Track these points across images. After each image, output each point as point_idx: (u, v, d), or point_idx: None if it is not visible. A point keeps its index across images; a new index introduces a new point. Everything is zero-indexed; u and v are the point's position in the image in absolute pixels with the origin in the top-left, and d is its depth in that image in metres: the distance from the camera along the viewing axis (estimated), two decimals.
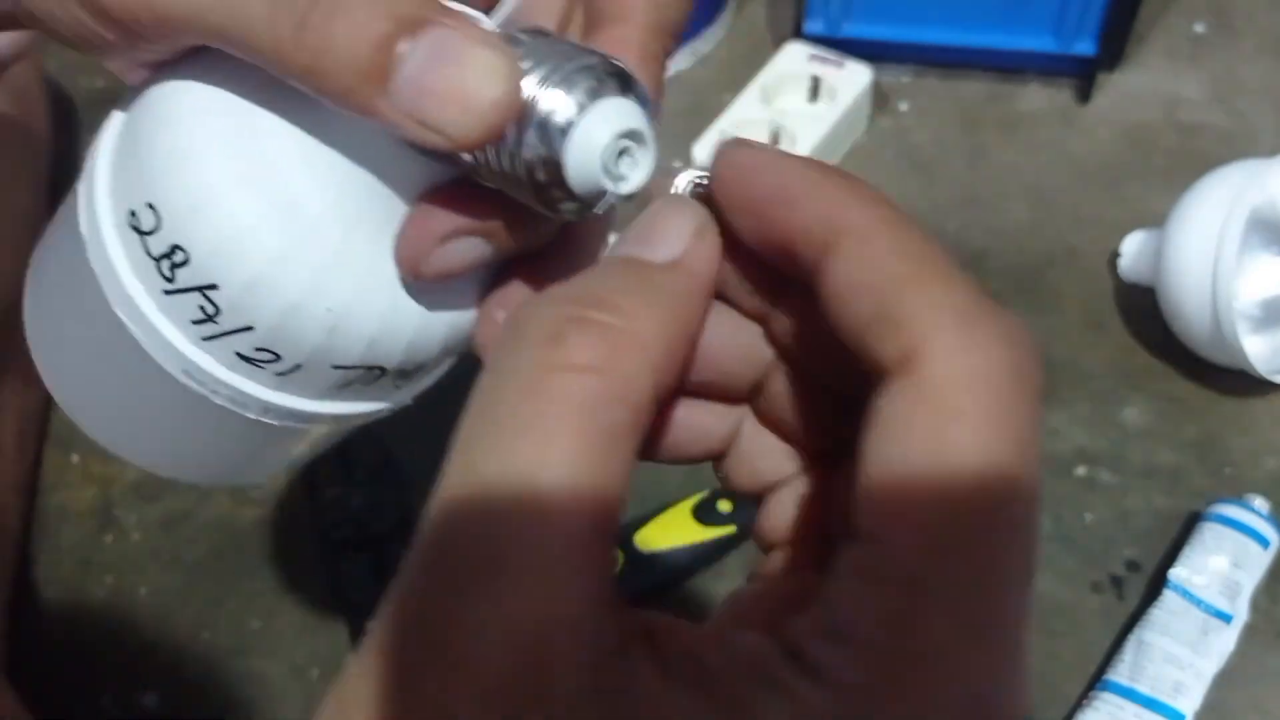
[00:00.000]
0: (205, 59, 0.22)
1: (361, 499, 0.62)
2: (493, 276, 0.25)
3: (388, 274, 0.23)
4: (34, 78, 0.76)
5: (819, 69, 0.74)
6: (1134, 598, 0.57)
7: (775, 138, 0.73)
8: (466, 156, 0.21)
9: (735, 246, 0.21)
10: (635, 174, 0.21)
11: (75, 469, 0.67)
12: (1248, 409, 0.63)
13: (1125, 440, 0.62)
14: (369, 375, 0.24)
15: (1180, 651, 0.52)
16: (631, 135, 0.21)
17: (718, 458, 0.24)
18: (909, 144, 0.76)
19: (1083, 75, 0.76)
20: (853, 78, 0.74)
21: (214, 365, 0.23)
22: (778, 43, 0.77)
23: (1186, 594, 0.54)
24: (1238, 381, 0.62)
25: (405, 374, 0.25)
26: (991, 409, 0.16)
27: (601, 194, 0.21)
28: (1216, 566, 0.54)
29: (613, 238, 0.22)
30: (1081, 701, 0.53)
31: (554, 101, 0.20)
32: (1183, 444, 0.62)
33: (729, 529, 0.59)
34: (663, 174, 0.21)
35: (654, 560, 0.58)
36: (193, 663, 0.60)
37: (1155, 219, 0.65)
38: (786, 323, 0.22)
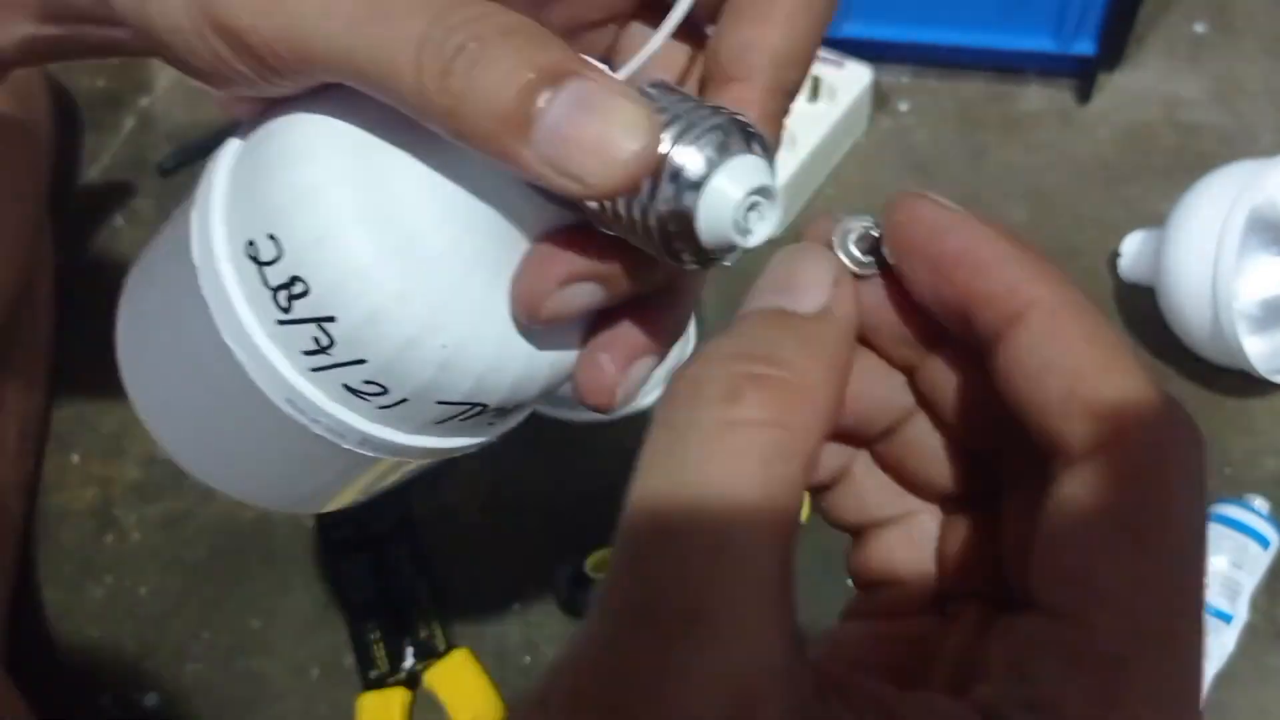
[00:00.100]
0: (331, 94, 0.22)
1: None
2: (594, 319, 0.25)
3: (500, 313, 0.23)
4: (36, 77, 0.76)
5: (819, 69, 0.74)
6: None
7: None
8: (592, 204, 0.22)
9: (895, 297, 0.22)
10: (761, 227, 0.21)
11: (75, 469, 0.67)
12: (1248, 409, 0.63)
13: None
14: (469, 411, 0.24)
15: None
16: (761, 191, 0.21)
17: (821, 489, 0.25)
18: (909, 144, 0.76)
19: (1082, 75, 0.76)
20: (853, 78, 0.74)
21: (319, 396, 0.23)
22: None
23: None
24: (1238, 381, 0.62)
25: (503, 412, 0.25)
26: (1185, 499, 0.18)
27: (729, 248, 0.21)
28: (1216, 566, 0.54)
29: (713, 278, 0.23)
30: None
31: (687, 156, 0.20)
32: None
33: None
34: (821, 218, 0.22)
35: None
36: (193, 663, 0.60)
37: (1155, 219, 0.65)
38: (937, 375, 0.22)
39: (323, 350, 0.23)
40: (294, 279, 0.22)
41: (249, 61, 0.21)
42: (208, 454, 0.27)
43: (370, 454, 0.25)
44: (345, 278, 0.22)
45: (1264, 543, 0.55)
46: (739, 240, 0.21)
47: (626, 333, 0.25)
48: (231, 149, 0.25)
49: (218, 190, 0.24)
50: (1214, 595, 0.53)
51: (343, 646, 0.59)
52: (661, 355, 0.26)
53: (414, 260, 0.22)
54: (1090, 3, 0.71)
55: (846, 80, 0.73)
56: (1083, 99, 0.77)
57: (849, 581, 0.25)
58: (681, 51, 0.26)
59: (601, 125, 0.19)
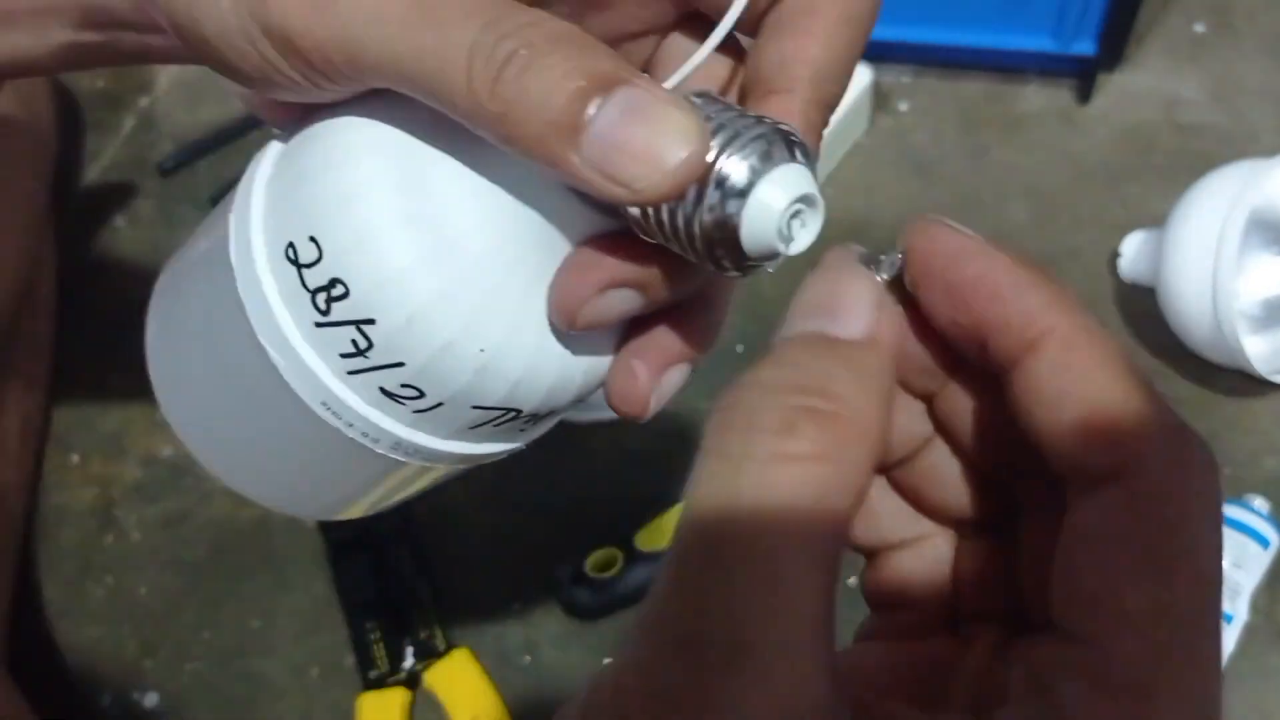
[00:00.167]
0: (374, 99, 0.23)
1: None
2: (628, 326, 0.25)
3: (538, 318, 0.23)
4: (39, 78, 0.76)
5: None
6: None
7: None
8: (634, 211, 0.22)
9: (914, 324, 0.22)
10: (804, 235, 0.22)
11: (75, 469, 0.67)
12: (1248, 409, 0.63)
13: None
14: (504, 417, 0.24)
15: None
16: (804, 199, 0.21)
17: None
18: (909, 144, 0.76)
19: (1083, 75, 0.76)
20: (853, 77, 0.74)
21: (354, 399, 0.23)
22: None
23: None
24: (1238, 381, 0.62)
25: (536, 418, 0.25)
26: (1203, 525, 0.18)
27: (772, 255, 0.21)
28: None
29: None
30: None
31: (732, 165, 0.20)
32: None
33: None
34: (836, 247, 0.22)
35: (654, 560, 0.58)
36: (193, 663, 0.60)
37: (1155, 219, 0.65)
38: (955, 401, 0.22)
39: (361, 353, 0.23)
40: (334, 281, 0.22)
41: (299, 65, 0.21)
42: (237, 459, 0.27)
43: (401, 458, 0.25)
44: (386, 280, 0.22)
45: (1264, 543, 0.55)
46: (782, 248, 0.21)
47: (661, 340, 0.25)
48: (271, 153, 0.25)
49: (257, 194, 0.24)
50: None
51: (343, 646, 0.59)
52: (695, 363, 0.26)
53: (455, 264, 0.22)
54: (1090, 3, 0.71)
55: None
56: (1083, 99, 0.77)
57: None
58: (722, 64, 0.26)
59: (651, 132, 0.19)
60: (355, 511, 0.29)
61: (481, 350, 0.23)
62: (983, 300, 0.20)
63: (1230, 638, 0.53)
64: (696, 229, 0.21)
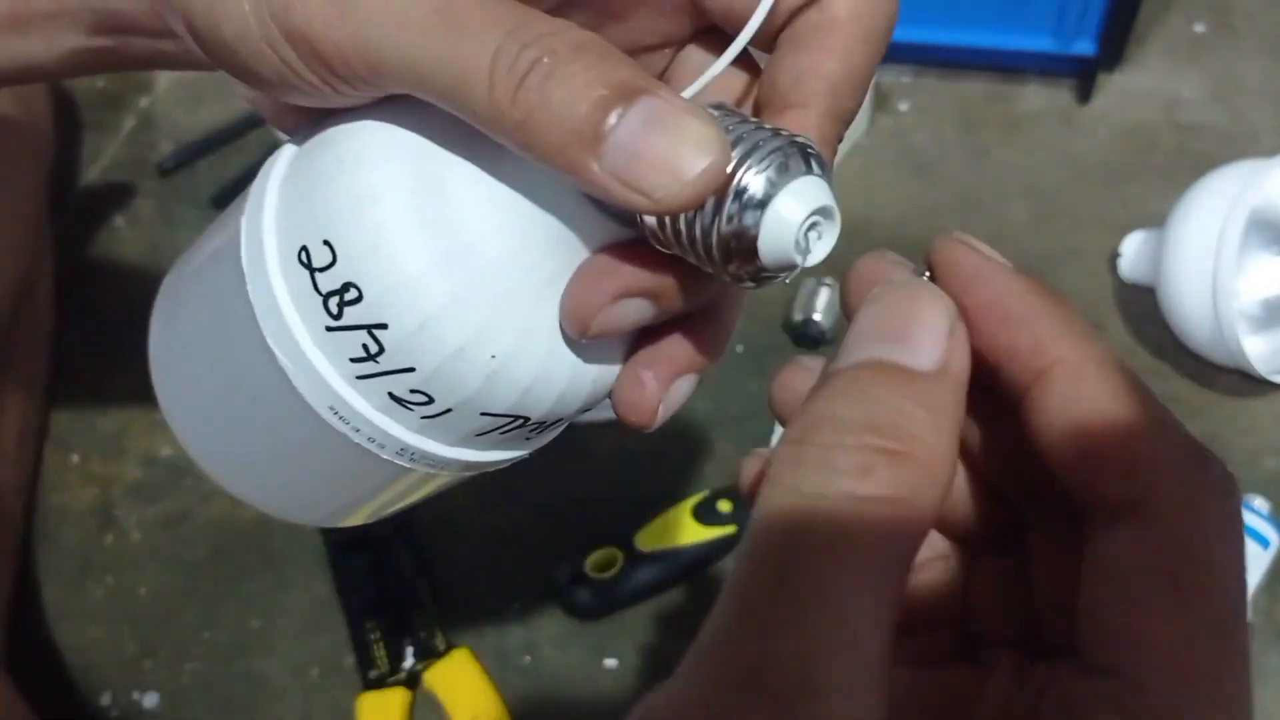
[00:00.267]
0: (390, 104, 0.22)
1: None
2: (637, 335, 0.25)
3: (550, 326, 0.23)
4: None
5: None
6: None
7: None
8: (650, 221, 0.22)
9: None
10: (820, 246, 0.22)
11: (75, 469, 0.67)
12: (1248, 409, 0.63)
13: None
14: (512, 424, 0.24)
15: None
16: (821, 211, 0.21)
17: None
18: (909, 144, 0.76)
19: (1083, 75, 0.76)
20: (872, 78, 0.74)
21: (363, 404, 0.23)
22: None
23: None
24: (1238, 381, 0.62)
25: (543, 426, 0.25)
26: (1226, 550, 0.19)
27: (788, 266, 0.22)
28: None
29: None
30: None
31: (750, 176, 0.21)
32: None
33: (729, 529, 0.59)
34: (872, 257, 0.22)
35: (654, 560, 0.58)
36: (193, 663, 0.60)
37: (1155, 219, 0.65)
38: (968, 420, 0.22)
39: (371, 358, 0.23)
40: (347, 285, 0.22)
41: (318, 70, 0.21)
42: (238, 464, 0.27)
43: (407, 465, 0.25)
44: (400, 285, 0.22)
45: (1264, 543, 0.55)
46: (799, 259, 0.21)
47: (670, 350, 0.25)
48: (285, 156, 0.24)
49: (270, 197, 0.24)
50: None
51: (343, 646, 0.59)
52: (703, 373, 0.26)
53: (469, 270, 0.22)
54: (1090, 3, 0.71)
55: None
56: (1083, 99, 0.77)
57: None
58: (737, 78, 0.26)
59: (672, 142, 0.19)
60: (356, 519, 0.29)
61: (493, 356, 0.22)
62: (993, 326, 0.20)
63: None
64: (714, 239, 0.21)
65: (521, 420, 0.24)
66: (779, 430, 0.24)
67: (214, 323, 0.25)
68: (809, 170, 0.21)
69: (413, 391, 0.23)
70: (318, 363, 0.23)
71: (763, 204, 0.21)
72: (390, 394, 0.23)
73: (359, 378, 0.23)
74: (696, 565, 0.59)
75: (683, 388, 0.25)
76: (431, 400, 0.23)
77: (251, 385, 0.24)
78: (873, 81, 0.82)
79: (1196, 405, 0.63)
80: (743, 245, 0.21)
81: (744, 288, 0.23)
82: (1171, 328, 0.63)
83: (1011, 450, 0.22)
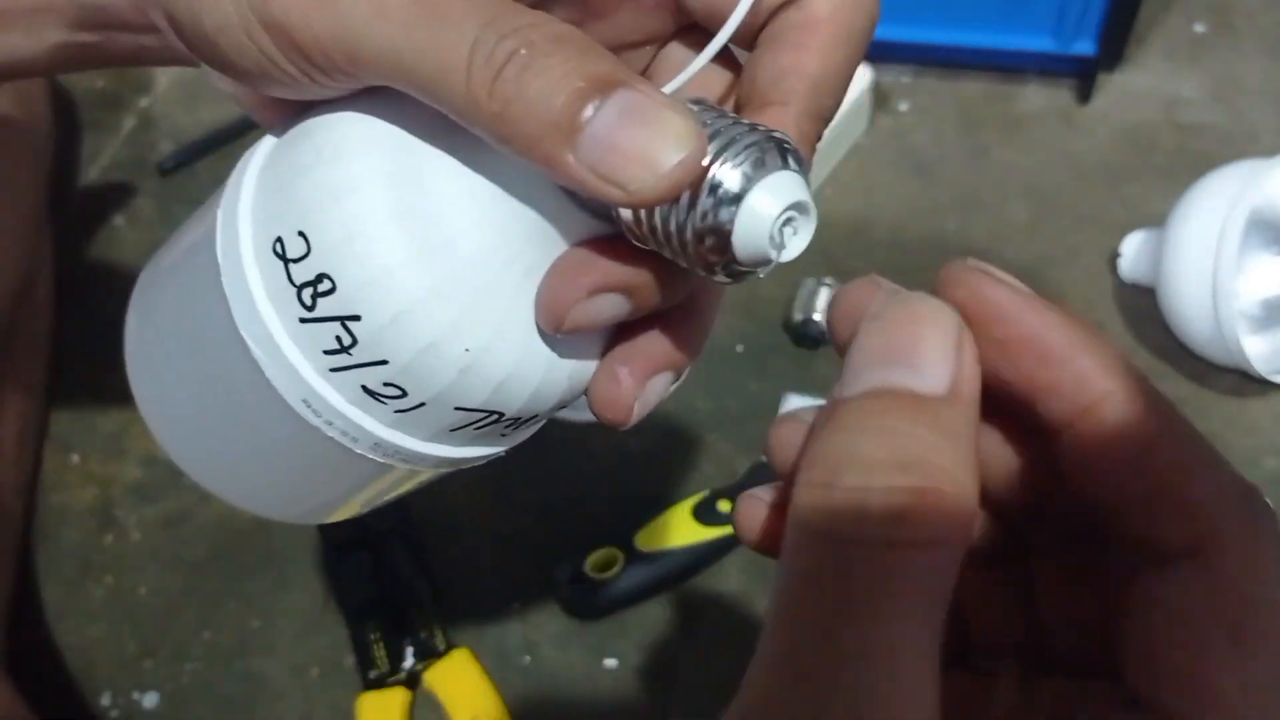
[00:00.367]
0: (369, 96, 0.22)
1: None
2: (614, 332, 0.25)
3: (525, 321, 0.23)
4: (36, 78, 0.76)
5: None
6: None
7: None
8: (626, 215, 0.22)
9: None
10: (795, 242, 0.22)
11: (75, 469, 0.67)
12: (1248, 409, 0.63)
13: None
14: (486, 419, 0.24)
15: None
16: (796, 207, 0.21)
17: None
18: (909, 144, 0.76)
19: (1083, 75, 0.76)
20: (852, 80, 0.74)
21: (335, 397, 0.23)
22: None
23: None
24: (1238, 381, 0.62)
25: (518, 422, 0.25)
26: (1277, 584, 0.18)
27: (763, 262, 0.21)
28: None
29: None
30: None
31: (725, 171, 0.21)
32: None
33: (729, 529, 0.59)
34: (863, 283, 0.21)
35: (654, 560, 0.58)
36: (193, 663, 0.60)
37: (1155, 219, 0.65)
38: (992, 451, 0.22)
39: (344, 350, 0.22)
40: (321, 276, 0.22)
41: (297, 61, 0.21)
42: (214, 459, 0.27)
43: (381, 460, 0.25)
44: (374, 276, 0.22)
45: None
46: (774, 255, 0.21)
47: (647, 346, 0.25)
48: (264, 147, 0.24)
49: (247, 187, 0.24)
50: None
51: (343, 646, 0.59)
52: (680, 371, 0.26)
53: (444, 263, 0.22)
54: (1090, 3, 0.71)
55: None
56: (1083, 99, 0.77)
57: None
58: (718, 76, 0.26)
59: (648, 135, 0.19)
60: (337, 515, 0.29)
61: (466, 350, 0.22)
62: (1033, 362, 0.19)
63: None
64: (689, 234, 0.21)
65: (496, 415, 0.24)
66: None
67: (190, 315, 0.25)
68: (785, 166, 0.21)
69: (386, 385, 0.23)
70: (291, 355, 0.23)
71: (737, 199, 0.20)
72: (363, 387, 0.23)
73: (332, 370, 0.23)
74: (697, 565, 0.59)
75: (659, 385, 0.25)
76: (405, 394, 0.23)
77: (226, 378, 0.24)
78: (872, 81, 0.82)
79: (1196, 405, 0.63)
80: (718, 240, 0.21)
81: (719, 283, 0.22)
82: (1171, 328, 0.63)
83: (1021, 473, 0.21)
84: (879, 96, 0.77)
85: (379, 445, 0.24)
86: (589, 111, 0.19)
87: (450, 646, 0.58)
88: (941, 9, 0.75)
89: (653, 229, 0.21)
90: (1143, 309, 0.66)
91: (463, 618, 0.60)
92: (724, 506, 0.59)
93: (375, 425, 0.24)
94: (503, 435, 0.26)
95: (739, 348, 0.67)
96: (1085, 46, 0.73)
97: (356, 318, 0.22)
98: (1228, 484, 0.19)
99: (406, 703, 0.57)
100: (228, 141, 0.81)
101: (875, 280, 0.21)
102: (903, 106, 0.78)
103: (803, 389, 0.64)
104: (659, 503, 0.61)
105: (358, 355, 0.22)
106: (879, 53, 0.76)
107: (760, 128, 0.21)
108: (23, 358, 0.66)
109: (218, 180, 0.25)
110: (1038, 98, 0.78)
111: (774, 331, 0.68)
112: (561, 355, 0.24)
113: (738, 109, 0.25)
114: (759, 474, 0.61)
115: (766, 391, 0.64)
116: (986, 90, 0.78)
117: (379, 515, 0.61)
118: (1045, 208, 0.72)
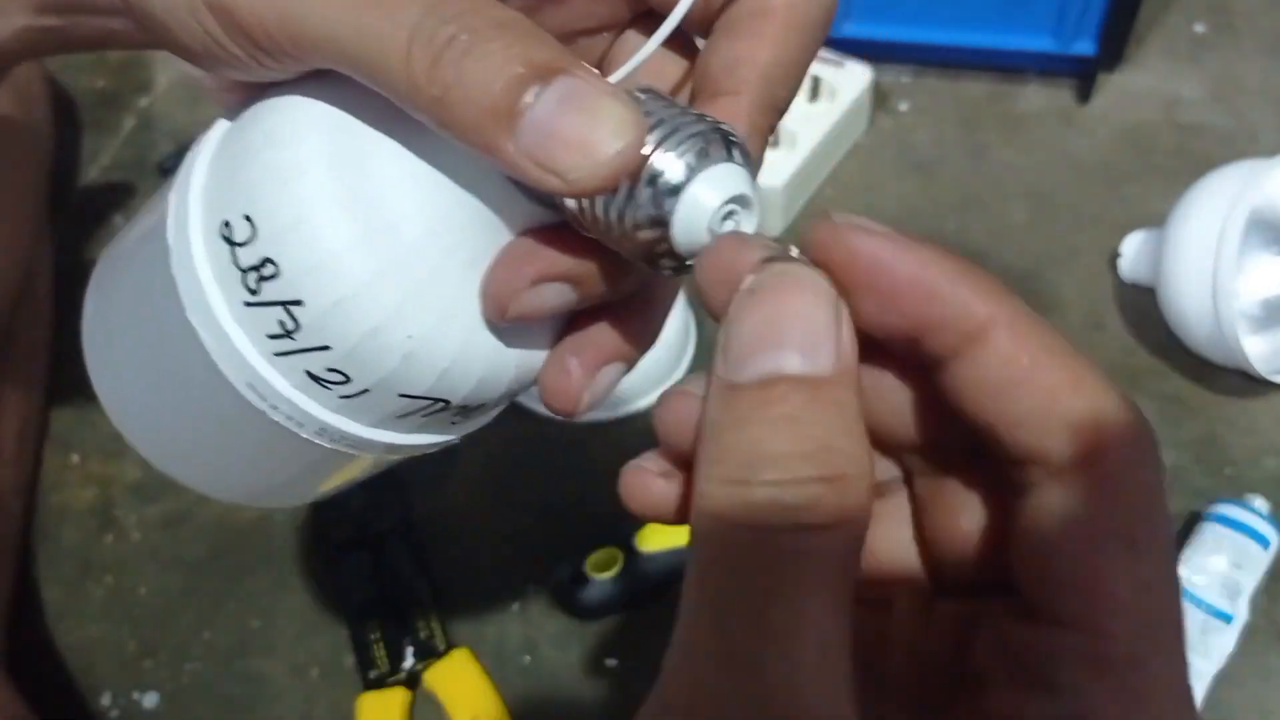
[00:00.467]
0: (320, 80, 0.22)
1: (361, 499, 0.62)
2: (565, 321, 0.25)
3: (471, 309, 0.23)
4: (36, 77, 0.76)
5: (819, 69, 0.74)
6: None
7: (775, 138, 0.73)
8: (570, 203, 0.22)
9: None
10: None
11: (75, 469, 0.67)
12: (1248, 409, 0.63)
13: None
14: (432, 407, 0.24)
15: None
16: (738, 200, 0.21)
17: None
18: (909, 144, 0.76)
19: (1083, 75, 0.76)
20: (853, 77, 0.74)
21: (280, 381, 0.23)
22: None
23: (1187, 594, 0.54)
24: (1238, 381, 0.62)
25: (466, 410, 0.25)
26: (1163, 503, 0.19)
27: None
28: (1216, 566, 0.54)
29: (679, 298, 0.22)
30: None
31: (667, 161, 0.20)
32: (1183, 444, 0.62)
33: None
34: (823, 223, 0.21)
35: (654, 560, 0.58)
36: (193, 663, 0.60)
37: (1155, 219, 0.65)
38: (880, 391, 0.22)
39: (287, 334, 0.22)
40: (265, 260, 0.22)
41: (241, 42, 0.21)
42: (167, 441, 0.27)
43: (328, 445, 0.25)
44: (316, 262, 0.22)
45: (1264, 543, 0.55)
46: None
47: (597, 337, 0.25)
48: (216, 132, 0.24)
49: (198, 171, 0.24)
50: (1214, 595, 0.53)
51: (343, 646, 0.59)
52: (631, 362, 0.26)
53: (387, 249, 0.22)
54: (1090, 3, 0.71)
55: (846, 80, 0.73)
56: (1083, 99, 0.77)
57: None
58: (674, 63, 0.26)
59: (587, 123, 0.19)
60: (292, 500, 0.29)
61: (410, 337, 0.22)
62: (920, 303, 0.20)
63: (1230, 638, 0.53)
64: (629, 225, 0.21)
65: (442, 403, 0.24)
66: None
67: (142, 298, 0.25)
68: (729, 158, 0.21)
69: (329, 370, 0.23)
70: (236, 339, 0.23)
71: (678, 190, 0.20)
72: (307, 372, 0.23)
73: (276, 355, 0.23)
74: None
75: (609, 376, 0.25)
76: (348, 379, 0.23)
77: (176, 362, 0.24)
78: (872, 81, 0.82)
79: (1196, 405, 0.63)
80: (658, 231, 0.21)
81: (663, 275, 0.22)
82: (1171, 328, 0.63)
83: (908, 407, 0.22)
84: (879, 96, 0.77)
85: (325, 430, 0.24)
86: (528, 98, 0.19)
87: (450, 646, 0.58)
88: (941, 9, 0.75)
89: (595, 218, 0.21)
90: (1143, 309, 0.66)
91: (463, 618, 0.60)
92: None
93: (320, 410, 0.24)
94: (453, 423, 0.26)
95: None
96: (1085, 46, 0.73)
97: (299, 302, 0.22)
98: (1113, 399, 0.19)
99: (406, 703, 0.57)
100: None
101: (741, 238, 0.21)
102: (903, 106, 0.78)
103: None
104: None
105: (301, 340, 0.22)
106: (879, 53, 0.76)
107: (706, 118, 0.21)
108: (22, 357, 0.66)
109: None
110: (1038, 98, 0.78)
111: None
112: (508, 344, 0.24)
113: (692, 99, 0.25)
114: None
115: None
116: (986, 90, 0.78)
117: (379, 515, 0.61)
118: (1045, 208, 0.72)
